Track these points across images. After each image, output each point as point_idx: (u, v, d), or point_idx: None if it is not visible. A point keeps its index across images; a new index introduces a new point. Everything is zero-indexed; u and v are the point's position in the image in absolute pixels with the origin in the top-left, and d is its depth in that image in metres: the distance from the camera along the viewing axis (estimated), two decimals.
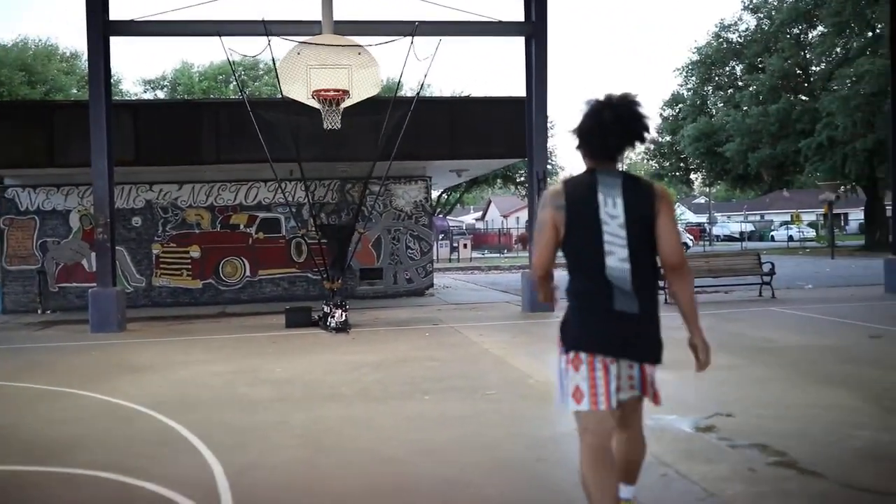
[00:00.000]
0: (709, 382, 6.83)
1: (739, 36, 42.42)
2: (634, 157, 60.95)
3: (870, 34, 34.26)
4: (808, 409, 6.17)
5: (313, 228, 13.89)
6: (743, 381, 7.33)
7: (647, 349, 3.33)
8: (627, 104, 3.25)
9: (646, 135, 3.30)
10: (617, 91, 3.31)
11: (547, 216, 3.31)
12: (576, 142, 3.38)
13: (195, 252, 17.65)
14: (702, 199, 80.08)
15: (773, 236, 57.16)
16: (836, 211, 37.97)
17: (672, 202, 3.37)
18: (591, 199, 3.25)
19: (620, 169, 3.37)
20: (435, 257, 25.68)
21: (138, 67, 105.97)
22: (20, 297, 17.15)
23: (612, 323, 3.22)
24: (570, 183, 3.35)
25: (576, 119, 3.36)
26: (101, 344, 11.38)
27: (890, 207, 17.85)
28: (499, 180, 44.33)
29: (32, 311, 16.73)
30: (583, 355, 3.27)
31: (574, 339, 3.31)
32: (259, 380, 8.21)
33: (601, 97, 3.30)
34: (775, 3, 40.57)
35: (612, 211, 3.22)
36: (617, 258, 3.20)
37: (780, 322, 11.84)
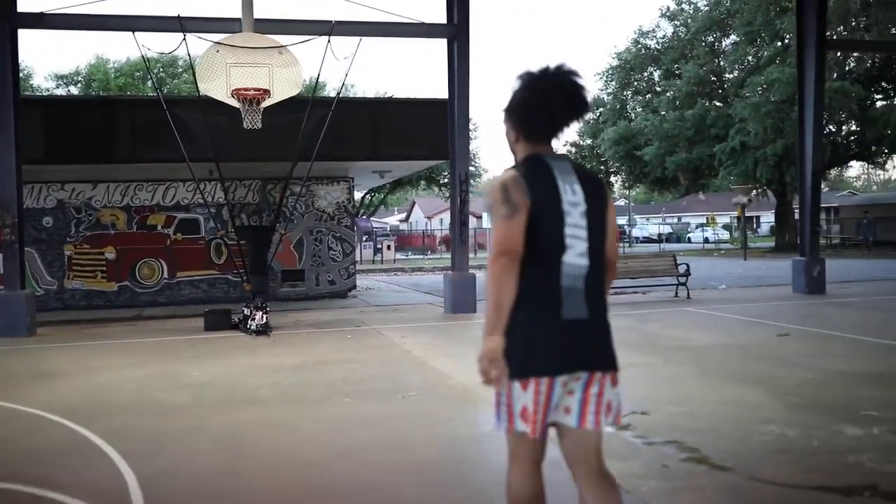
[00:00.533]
0: (625, 381, 6.96)
1: (657, 43, 43.56)
2: None
3: (779, 44, 35.61)
4: (720, 405, 6.37)
5: (233, 230, 13.67)
6: (658, 380, 7.52)
7: (597, 356, 2.90)
8: (568, 72, 2.87)
9: (585, 112, 2.94)
10: (552, 63, 2.90)
11: (518, 199, 2.75)
12: (510, 121, 2.96)
13: (110, 253, 17.16)
14: (622, 202, 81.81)
15: (689, 238, 58.79)
16: (748, 214, 39.26)
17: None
18: (551, 186, 2.82)
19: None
20: (358, 259, 25.56)
21: (51, 61, 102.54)
22: None
23: (559, 337, 2.79)
24: (524, 170, 2.86)
25: (508, 95, 2.94)
26: (10, 349, 10.93)
27: (798, 210, 18.60)
28: (422, 182, 44.39)
29: None
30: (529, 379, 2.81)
31: (521, 364, 2.80)
32: (176, 384, 8.03)
33: (536, 68, 2.89)
34: (691, 12, 41.82)
35: (572, 198, 2.83)
36: (575, 253, 2.80)
37: (694, 322, 12.18)
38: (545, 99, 2.84)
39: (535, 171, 2.83)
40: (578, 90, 2.86)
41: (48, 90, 45.76)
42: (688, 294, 15.72)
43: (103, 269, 17.16)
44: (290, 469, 5.02)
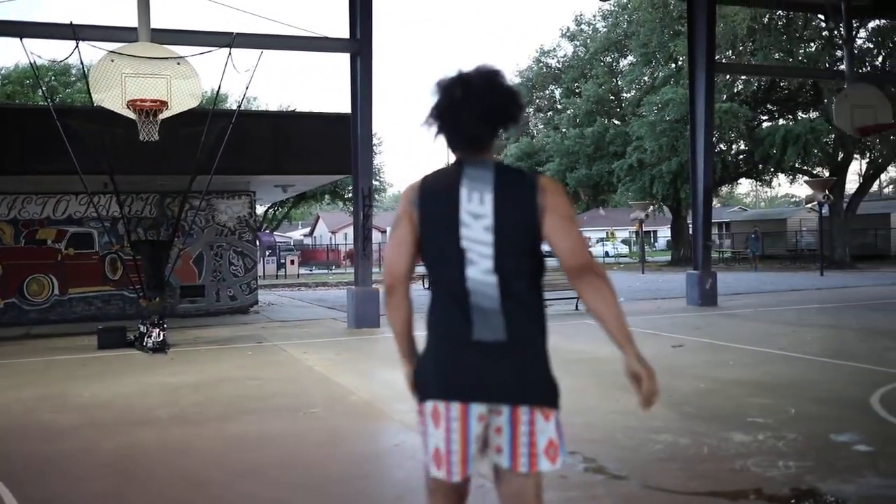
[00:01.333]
0: None
1: (558, 62, 44.71)
2: None
3: (673, 65, 37.00)
4: (616, 416, 6.54)
5: (129, 244, 13.24)
6: None
7: (518, 385, 2.51)
8: (483, 76, 2.53)
9: (514, 112, 2.57)
10: (466, 66, 2.58)
11: (401, 210, 2.61)
12: (433, 131, 2.62)
13: None
14: None
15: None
16: (646, 228, 40.48)
17: (563, 195, 2.61)
18: (449, 194, 2.53)
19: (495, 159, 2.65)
20: (261, 273, 25.12)
21: None
22: None
23: (468, 357, 2.50)
24: (431, 176, 2.65)
25: (427, 103, 2.62)
26: None
27: (692, 225, 19.33)
28: (326, 196, 44.05)
29: None
30: (440, 406, 2.51)
31: (424, 385, 2.58)
32: (66, 406, 7.71)
33: (453, 73, 2.57)
34: (590, 33, 43.07)
35: (476, 209, 2.50)
36: (480, 269, 2.49)
37: (592, 335, 12.42)
38: (453, 111, 2.53)
39: (439, 179, 2.61)
40: (492, 97, 2.53)
41: None
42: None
43: None
44: (187, 491, 4.88)
